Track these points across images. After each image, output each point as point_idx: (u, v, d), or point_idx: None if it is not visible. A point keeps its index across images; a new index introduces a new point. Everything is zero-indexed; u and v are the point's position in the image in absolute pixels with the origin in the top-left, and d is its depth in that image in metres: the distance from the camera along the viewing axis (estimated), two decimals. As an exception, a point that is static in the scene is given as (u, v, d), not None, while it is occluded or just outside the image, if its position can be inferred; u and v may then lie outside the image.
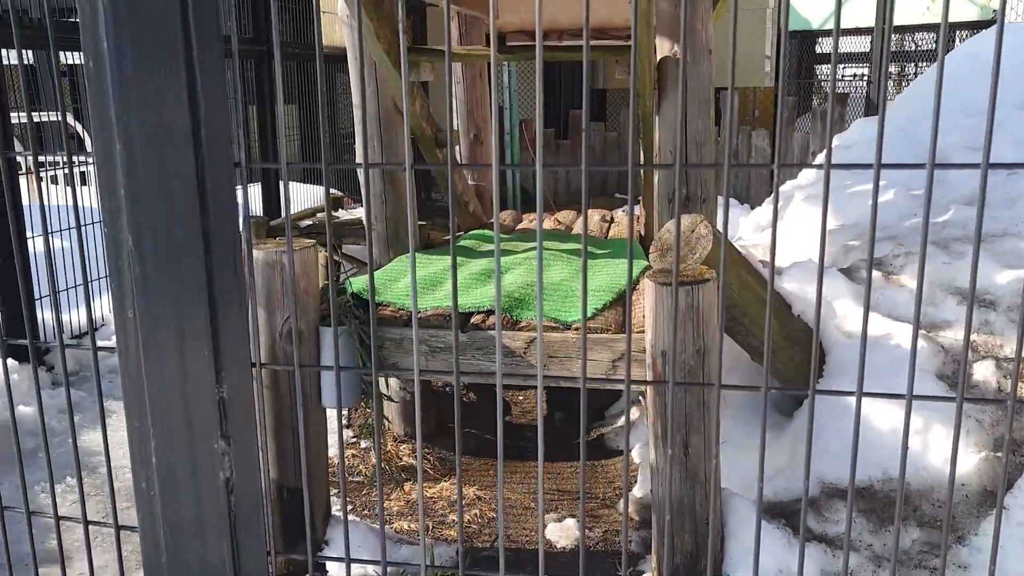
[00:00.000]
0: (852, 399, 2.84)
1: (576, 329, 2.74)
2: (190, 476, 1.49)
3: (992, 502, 2.64)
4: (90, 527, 1.87)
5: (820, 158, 5.82)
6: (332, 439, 3.89)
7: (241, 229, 1.37)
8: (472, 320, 2.87)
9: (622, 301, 3.06)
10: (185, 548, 1.52)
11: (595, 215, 4.96)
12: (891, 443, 2.81)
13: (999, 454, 2.74)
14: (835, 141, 5.80)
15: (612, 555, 2.99)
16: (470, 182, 5.08)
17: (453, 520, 3.24)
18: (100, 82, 1.35)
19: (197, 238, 1.40)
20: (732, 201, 7.05)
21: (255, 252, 2.68)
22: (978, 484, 2.70)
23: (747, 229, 5.35)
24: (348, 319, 2.84)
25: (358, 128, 3.52)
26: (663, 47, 3.41)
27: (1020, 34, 5.23)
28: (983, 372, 2.95)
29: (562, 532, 3.13)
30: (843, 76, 9.46)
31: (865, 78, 8.63)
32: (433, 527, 3.19)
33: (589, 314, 2.83)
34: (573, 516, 3.23)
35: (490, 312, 2.89)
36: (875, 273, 3.55)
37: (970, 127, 4.53)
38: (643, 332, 2.69)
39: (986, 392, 2.90)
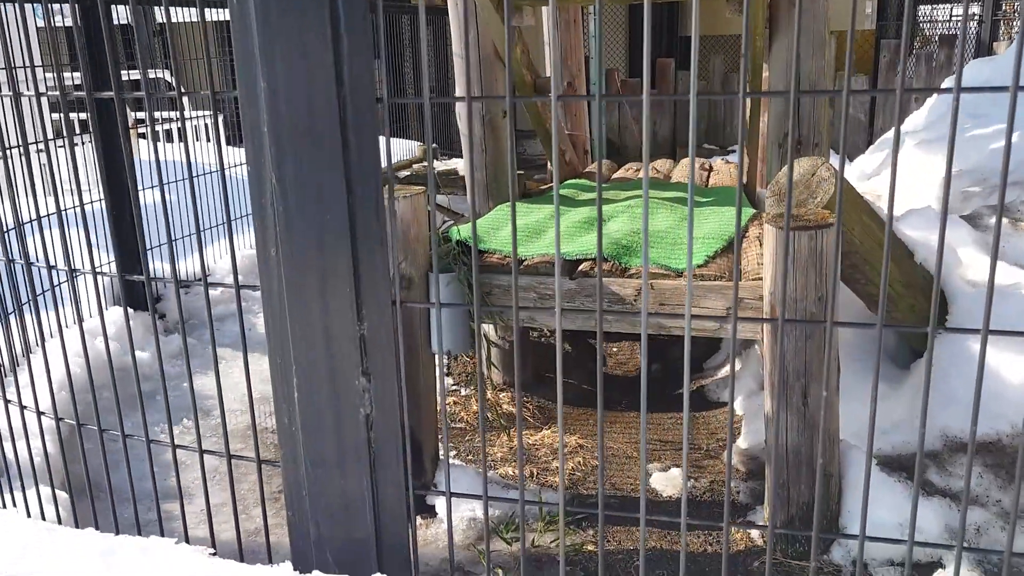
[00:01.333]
0: (977, 347, 2.71)
1: (685, 276, 2.68)
2: (331, 412, 1.51)
3: None
4: (206, 469, 1.93)
5: (928, 102, 5.53)
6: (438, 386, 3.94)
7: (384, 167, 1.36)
8: (580, 268, 2.84)
9: (732, 249, 2.97)
10: (326, 482, 1.56)
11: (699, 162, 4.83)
12: (1022, 396, 2.68)
13: None
14: (945, 83, 5.50)
15: (719, 504, 2.96)
16: (565, 131, 5.02)
17: (557, 467, 3.26)
18: (244, 19, 1.35)
19: (339, 175, 1.40)
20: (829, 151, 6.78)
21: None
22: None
23: (850, 179, 5.14)
24: (457, 266, 2.84)
25: (459, 76, 3.49)
26: (777, -17, 3.26)
27: None
28: (1124, 323, 2.78)
29: (667, 481, 3.10)
30: (951, 16, 8.95)
31: (976, 17, 8.14)
32: (537, 474, 3.21)
33: (700, 261, 2.77)
34: (678, 466, 3.20)
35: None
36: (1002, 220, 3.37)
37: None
38: (759, 279, 2.62)
39: None
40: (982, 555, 2.46)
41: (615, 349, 4.72)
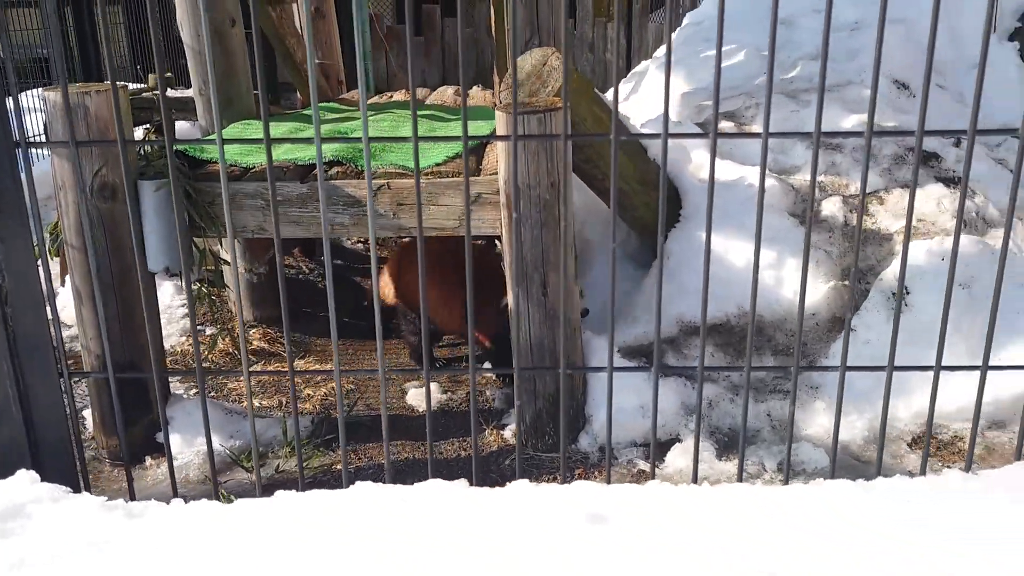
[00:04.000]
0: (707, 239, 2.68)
1: (428, 174, 2.57)
2: (-51, 283, 1.24)
3: (840, 327, 2.70)
4: None
5: (675, 34, 5.81)
6: (171, 329, 3.60)
7: None
8: (314, 172, 2.65)
9: (476, 152, 2.91)
10: (-45, 374, 1.28)
11: (449, 90, 4.75)
12: (746, 279, 2.81)
13: (846, 283, 2.81)
14: (687, 19, 5.78)
15: (477, 412, 2.91)
16: (316, 60, 4.75)
17: (309, 394, 3.07)
18: None
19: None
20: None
21: (50, 94, 2.34)
22: (827, 312, 2.76)
23: (604, 106, 5.29)
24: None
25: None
26: None
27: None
28: (831, 208, 3.01)
29: (422, 397, 3.01)
30: (694, -35, 9.48)
31: (715, -35, 8.67)
32: (287, 403, 3.01)
33: (440, 160, 2.66)
34: (435, 381, 3.12)
35: (332, 163, 2.68)
36: (728, 124, 3.55)
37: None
38: (495, 175, 2.55)
39: (834, 226, 2.95)
40: (714, 427, 2.57)
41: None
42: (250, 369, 1.35)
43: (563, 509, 1.09)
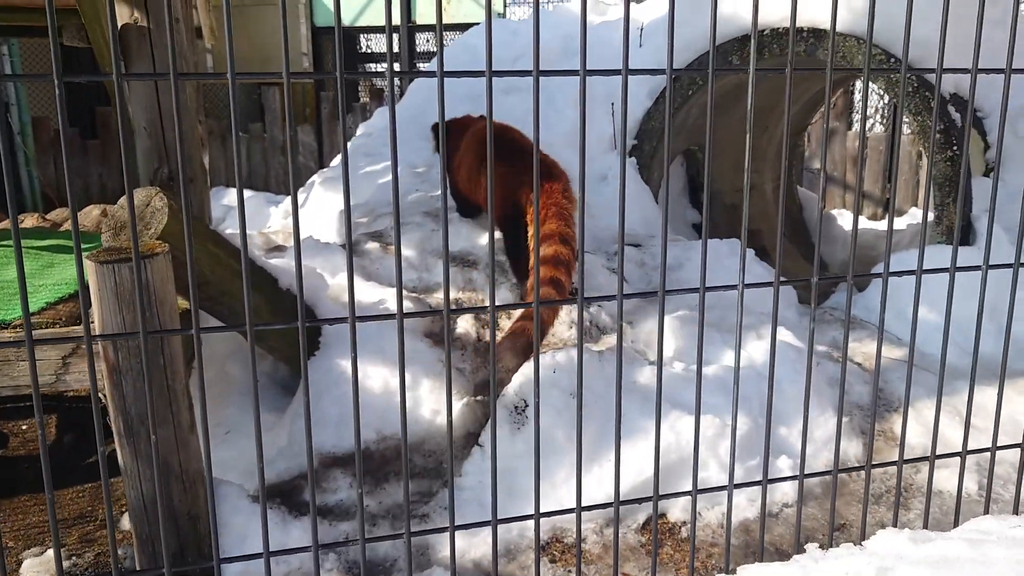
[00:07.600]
0: (346, 367, 2.75)
1: (14, 327, 2.35)
2: None
3: (474, 442, 2.82)
4: None
5: (351, 146, 5.95)
6: None
7: None
8: None
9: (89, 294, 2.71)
10: None
11: (95, 210, 4.46)
12: (383, 403, 2.87)
13: (479, 398, 2.94)
14: (360, 129, 5.95)
15: (103, 578, 2.64)
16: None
17: None
18: None
19: None
20: (267, 195, 6.95)
21: None
22: (462, 428, 2.87)
23: (276, 218, 5.25)
24: None
25: None
26: (123, 13, 3.11)
27: (507, 28, 5.84)
28: (464, 325, 3.16)
29: (42, 566, 2.69)
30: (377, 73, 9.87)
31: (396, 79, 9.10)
32: None
33: (38, 307, 2.45)
34: (63, 545, 2.80)
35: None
36: (374, 244, 3.64)
37: (469, 109, 4.90)
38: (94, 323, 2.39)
39: (467, 342, 3.10)
40: (352, 562, 2.54)
41: (24, 427, 4.09)
42: None
43: None
